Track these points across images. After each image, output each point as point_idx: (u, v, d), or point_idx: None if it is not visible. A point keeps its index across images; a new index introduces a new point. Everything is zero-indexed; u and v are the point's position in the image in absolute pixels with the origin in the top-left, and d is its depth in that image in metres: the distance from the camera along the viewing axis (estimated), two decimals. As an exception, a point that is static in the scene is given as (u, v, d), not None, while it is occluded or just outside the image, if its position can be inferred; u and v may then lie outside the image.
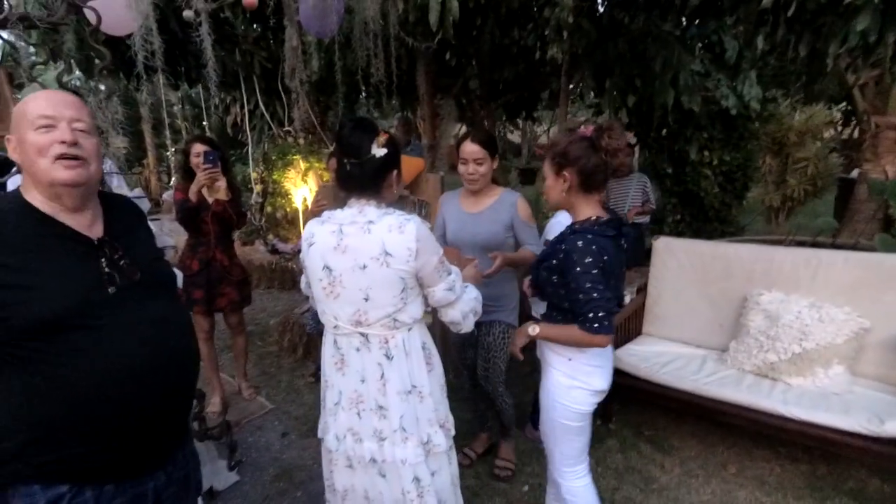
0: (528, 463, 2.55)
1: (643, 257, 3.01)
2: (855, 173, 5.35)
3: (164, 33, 2.61)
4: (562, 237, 1.50)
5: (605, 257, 1.39)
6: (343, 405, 1.40)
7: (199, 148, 2.72)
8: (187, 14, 2.26)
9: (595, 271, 1.38)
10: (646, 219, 3.84)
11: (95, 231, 1.01)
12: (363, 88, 3.36)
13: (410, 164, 3.79)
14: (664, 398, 2.63)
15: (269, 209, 4.96)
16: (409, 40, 2.87)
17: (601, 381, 1.54)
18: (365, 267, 1.28)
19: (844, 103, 7.58)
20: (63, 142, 0.93)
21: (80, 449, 0.93)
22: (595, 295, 1.37)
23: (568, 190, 1.47)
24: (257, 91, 4.01)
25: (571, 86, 3.27)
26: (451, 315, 1.42)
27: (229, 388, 3.15)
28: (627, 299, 3.06)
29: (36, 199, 0.95)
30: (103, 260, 0.98)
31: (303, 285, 1.54)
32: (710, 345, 2.81)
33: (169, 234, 4.76)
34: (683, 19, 3.24)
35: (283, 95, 3.49)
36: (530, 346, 1.58)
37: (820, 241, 3.60)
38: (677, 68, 2.87)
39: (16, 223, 0.92)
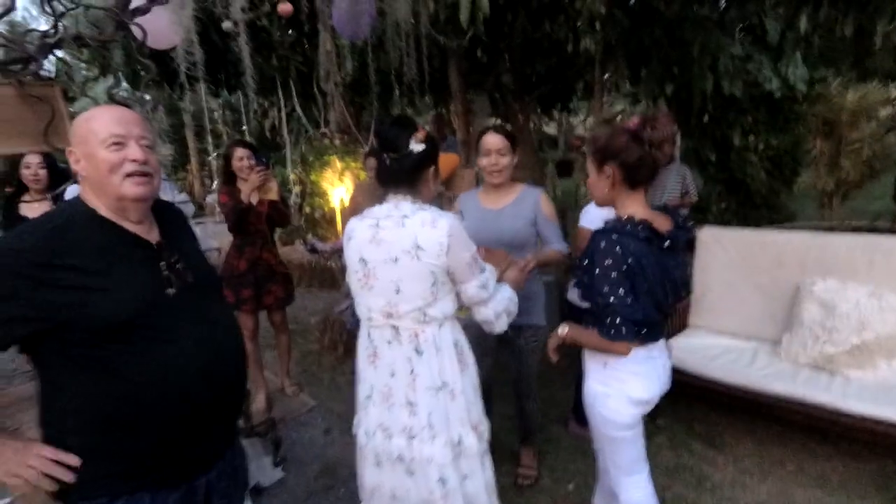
0: (573, 460, 2.52)
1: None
2: (916, 153, 5.01)
3: (204, 44, 2.73)
4: (593, 236, 1.43)
5: (630, 259, 1.30)
6: (374, 399, 1.42)
7: (241, 152, 2.81)
8: (226, 25, 2.34)
9: (614, 274, 1.30)
10: (685, 212, 3.71)
11: (153, 236, 1.06)
12: (396, 88, 3.39)
13: (446, 161, 3.82)
14: (714, 393, 2.56)
15: (307, 209, 5.09)
16: (441, 38, 2.87)
17: (641, 391, 1.44)
18: (397, 259, 1.29)
19: (902, 79, 7.09)
20: (135, 160, 0.98)
21: (145, 447, 0.98)
22: (612, 300, 1.30)
23: (611, 186, 1.41)
24: (294, 95, 4.11)
25: (606, 76, 3.19)
26: (483, 313, 1.41)
27: (273, 385, 3.22)
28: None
29: (100, 206, 1.01)
30: (162, 263, 1.03)
31: (346, 284, 1.57)
32: (761, 337, 2.71)
33: (213, 237, 4.95)
34: (722, 2, 3.12)
35: (320, 98, 3.58)
36: (569, 347, 1.54)
37: (878, 226, 3.39)
38: (716, 53, 2.76)
39: (86, 229, 0.98)
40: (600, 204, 1.49)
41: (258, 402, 2.97)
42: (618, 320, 1.31)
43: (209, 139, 8.15)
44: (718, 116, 4.13)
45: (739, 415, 2.67)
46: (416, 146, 1.32)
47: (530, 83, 4.30)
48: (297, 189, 4.72)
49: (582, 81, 4.87)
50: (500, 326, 1.44)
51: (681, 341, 2.87)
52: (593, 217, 2.40)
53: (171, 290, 1.02)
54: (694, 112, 3.52)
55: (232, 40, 2.28)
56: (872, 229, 2.76)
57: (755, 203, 4.90)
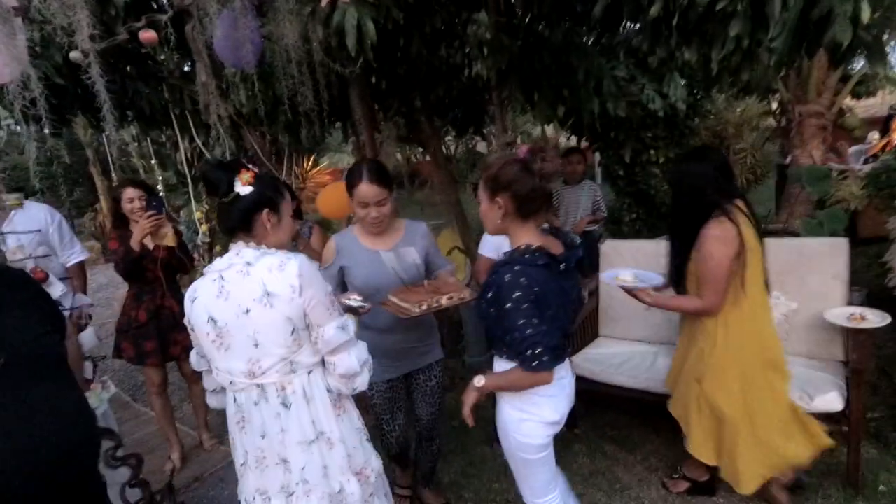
0: (497, 479, 2.55)
1: (598, 264, 3.08)
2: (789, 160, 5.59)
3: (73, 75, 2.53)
4: (495, 268, 1.43)
5: (536, 288, 1.31)
6: (249, 464, 1.34)
7: (130, 192, 2.68)
8: (74, 56, 2.18)
9: (525, 306, 1.30)
10: (597, 227, 3.92)
11: None
12: (289, 117, 3.32)
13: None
14: (621, 399, 2.68)
15: (218, 248, 4.84)
16: (336, 66, 2.86)
17: (552, 413, 1.47)
18: (248, 311, 1.23)
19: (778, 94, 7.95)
20: None
21: None
22: (529, 331, 1.30)
23: (503, 217, 1.41)
24: (192, 127, 3.93)
25: (504, 100, 3.32)
26: (346, 363, 1.29)
27: (191, 440, 3.05)
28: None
29: None
30: None
31: (193, 360, 1.45)
32: (662, 340, 2.89)
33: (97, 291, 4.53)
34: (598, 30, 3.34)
35: (212, 130, 3.44)
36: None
37: (764, 229, 3.74)
38: (599, 76, 2.96)
39: None
40: (493, 233, 1.51)
41: (171, 461, 2.81)
42: (538, 350, 1.31)
43: (114, 176, 7.61)
44: (611, 137, 4.42)
45: (647, 416, 2.80)
46: (243, 189, 1.27)
47: (442, 106, 4.38)
48: (204, 228, 4.48)
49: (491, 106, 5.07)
50: (362, 383, 1.33)
51: (590, 352, 2.99)
52: (492, 246, 2.45)
53: None
54: (583, 133, 3.75)
55: (82, 73, 2.08)
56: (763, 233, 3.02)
57: (661, 213, 5.23)
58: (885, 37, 1.76)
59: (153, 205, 2.53)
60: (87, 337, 2.40)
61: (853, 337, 2.22)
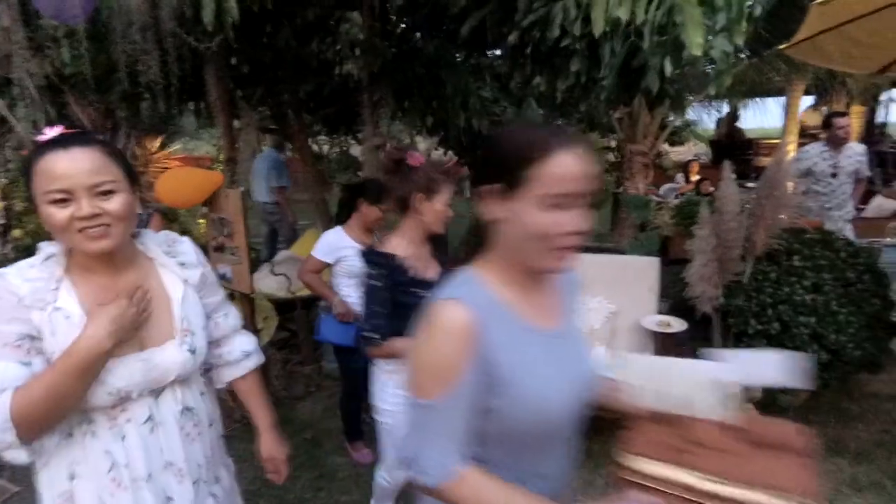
0: (348, 491, 2.50)
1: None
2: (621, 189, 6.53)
3: None
4: None
5: None
6: None
7: None
8: None
9: None
10: None
11: None
12: (127, 88, 2.90)
13: (207, 178, 3.40)
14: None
15: (16, 234, 4.00)
16: (188, 39, 2.56)
17: None
18: None
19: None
20: None
21: None
22: None
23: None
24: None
25: (375, 103, 3.31)
26: None
27: None
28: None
29: None
30: None
31: None
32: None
33: None
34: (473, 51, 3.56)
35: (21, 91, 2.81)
36: None
37: (599, 246, 4.30)
38: (466, 93, 3.13)
39: None
40: None
41: None
42: None
43: None
44: (475, 151, 4.70)
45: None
46: None
47: (312, 102, 4.21)
48: None
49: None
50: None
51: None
52: (326, 247, 2.57)
53: None
54: (449, 146, 3.95)
55: None
56: (591, 249, 3.45)
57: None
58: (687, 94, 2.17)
59: None
60: None
61: (660, 339, 2.67)
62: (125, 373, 1.01)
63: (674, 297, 3.40)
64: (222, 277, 3.03)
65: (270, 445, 1.33)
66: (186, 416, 1.11)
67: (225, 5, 2.20)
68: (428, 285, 1.60)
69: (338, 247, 2.50)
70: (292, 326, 3.90)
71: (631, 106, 4.81)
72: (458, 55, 3.35)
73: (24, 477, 2.48)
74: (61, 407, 0.95)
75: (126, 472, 1.03)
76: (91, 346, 0.94)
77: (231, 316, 1.30)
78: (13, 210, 3.80)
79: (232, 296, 2.47)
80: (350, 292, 2.50)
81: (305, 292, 3.62)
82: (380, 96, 3.11)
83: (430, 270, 1.72)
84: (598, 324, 2.89)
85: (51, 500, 1.04)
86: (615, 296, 2.94)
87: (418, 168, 1.68)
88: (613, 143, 10.14)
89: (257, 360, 1.35)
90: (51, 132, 0.99)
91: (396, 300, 1.63)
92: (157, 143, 7.18)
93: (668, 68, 1.54)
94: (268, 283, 3.75)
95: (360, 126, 5.35)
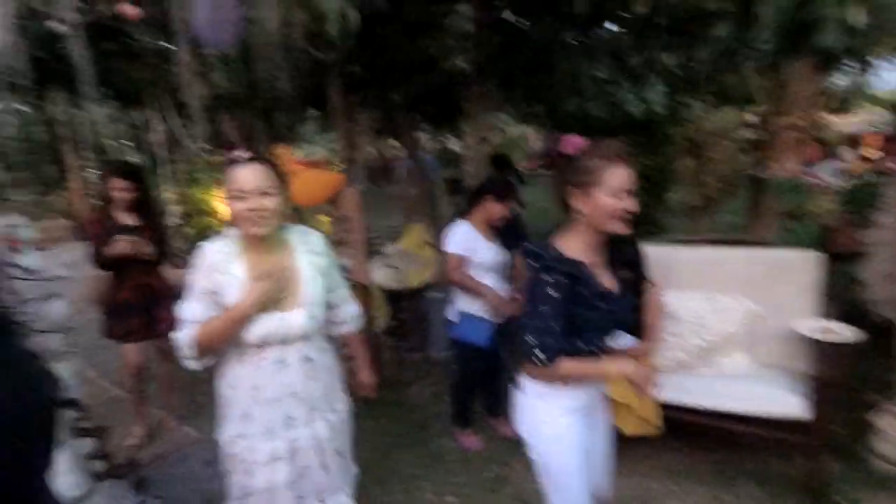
0: (456, 474, 2.58)
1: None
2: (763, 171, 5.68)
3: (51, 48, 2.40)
4: None
5: None
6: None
7: (118, 184, 2.63)
8: (54, 25, 2.04)
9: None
10: None
11: None
12: (265, 102, 3.20)
13: (332, 180, 3.66)
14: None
15: (189, 231, 4.68)
16: (316, 52, 2.75)
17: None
18: None
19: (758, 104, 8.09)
20: None
21: None
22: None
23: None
24: (164, 107, 3.76)
25: (480, 96, 3.25)
26: None
27: (153, 419, 3.09)
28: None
29: None
30: None
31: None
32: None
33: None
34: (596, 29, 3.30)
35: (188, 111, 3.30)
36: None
37: (732, 239, 3.75)
38: (579, 76, 2.92)
39: None
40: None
41: (134, 437, 2.86)
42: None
43: (87, 153, 7.26)
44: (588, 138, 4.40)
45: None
46: None
47: (419, 100, 4.29)
48: (176, 209, 4.33)
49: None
50: None
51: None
52: (460, 242, 2.57)
53: None
54: (565, 133, 3.72)
55: (62, 45, 1.97)
56: (729, 242, 3.01)
57: (636, 219, 5.25)
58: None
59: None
60: (58, 308, 2.34)
61: (820, 349, 2.22)
62: (265, 326, 1.43)
63: (838, 299, 2.87)
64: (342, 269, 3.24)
65: (364, 375, 1.81)
66: (307, 363, 1.52)
67: (347, 16, 2.31)
68: (610, 299, 1.40)
69: (468, 240, 2.52)
70: (402, 316, 4.03)
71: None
72: (567, 36, 3.14)
73: (203, 424, 2.92)
74: (221, 341, 1.43)
75: (261, 392, 1.47)
76: (243, 309, 1.39)
77: (344, 290, 1.71)
78: (187, 213, 4.48)
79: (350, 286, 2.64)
80: (488, 282, 2.53)
81: (415, 284, 3.72)
82: (485, 88, 3.05)
83: (607, 280, 1.44)
84: (734, 326, 2.49)
85: (220, 398, 1.55)
86: (759, 296, 2.53)
87: (570, 157, 1.45)
88: (751, 118, 8.91)
89: (360, 322, 1.80)
90: (240, 154, 1.41)
91: (572, 313, 1.36)
92: (288, 150, 7.94)
93: (856, 17, 1.21)
94: (381, 274, 3.91)
95: (463, 120, 5.35)
